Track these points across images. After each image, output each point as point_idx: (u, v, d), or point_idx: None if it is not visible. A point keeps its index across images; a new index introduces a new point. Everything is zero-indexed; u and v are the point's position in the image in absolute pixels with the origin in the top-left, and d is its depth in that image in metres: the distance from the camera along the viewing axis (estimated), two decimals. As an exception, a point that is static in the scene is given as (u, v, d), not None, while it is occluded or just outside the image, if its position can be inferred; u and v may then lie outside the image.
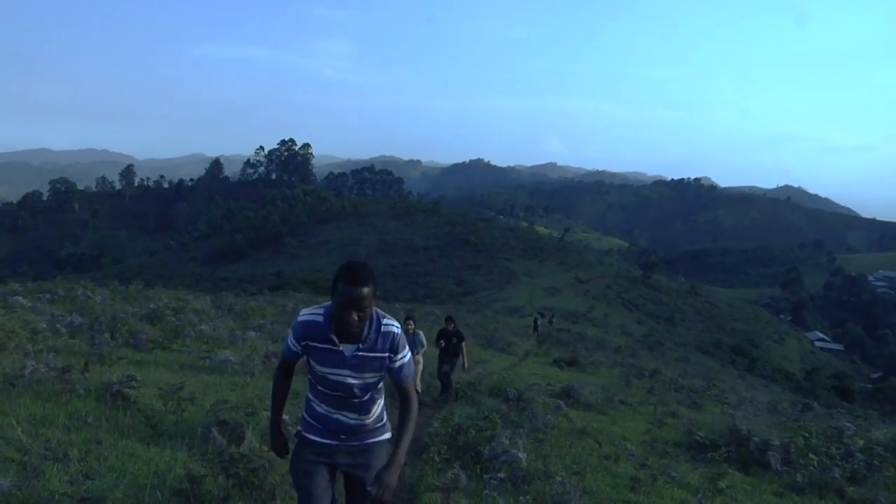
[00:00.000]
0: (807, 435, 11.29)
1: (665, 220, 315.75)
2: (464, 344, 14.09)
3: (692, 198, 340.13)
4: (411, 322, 12.77)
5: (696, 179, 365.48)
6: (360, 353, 3.49)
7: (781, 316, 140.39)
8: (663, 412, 14.48)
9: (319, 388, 3.67)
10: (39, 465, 5.52)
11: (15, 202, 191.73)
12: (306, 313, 3.60)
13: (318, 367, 3.58)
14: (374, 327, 3.53)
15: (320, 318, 3.53)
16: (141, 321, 15.38)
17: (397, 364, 3.58)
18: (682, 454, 10.69)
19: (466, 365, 14.52)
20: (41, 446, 6.02)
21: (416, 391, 9.63)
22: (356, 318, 3.37)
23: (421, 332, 13.16)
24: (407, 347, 3.59)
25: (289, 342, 3.69)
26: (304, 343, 3.59)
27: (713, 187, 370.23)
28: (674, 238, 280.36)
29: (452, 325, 14.04)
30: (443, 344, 13.76)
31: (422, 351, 13.17)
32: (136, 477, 5.59)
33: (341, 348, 3.49)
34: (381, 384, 3.69)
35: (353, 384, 3.54)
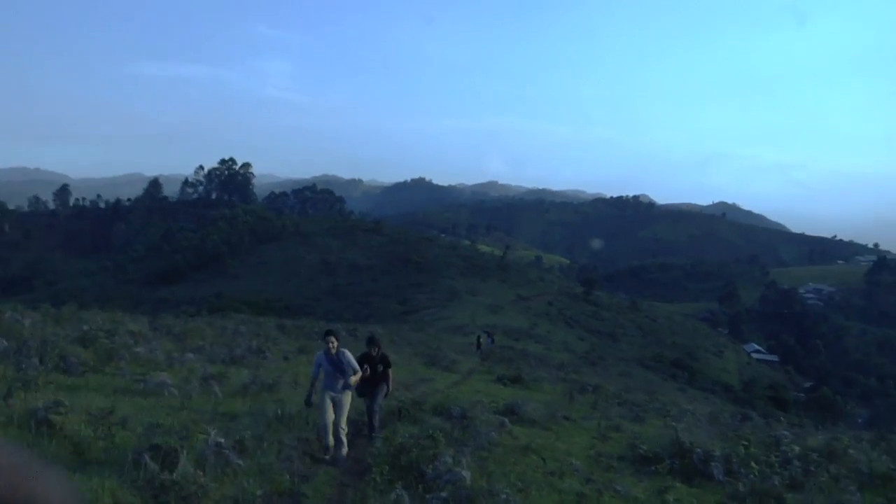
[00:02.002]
0: (747, 444, 11.49)
1: (605, 237, 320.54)
2: (390, 371, 11.94)
3: (631, 215, 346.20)
4: (332, 339, 10.21)
5: (635, 197, 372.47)
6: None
7: (719, 329, 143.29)
8: (607, 427, 14.54)
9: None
10: (-44, 497, 5.21)
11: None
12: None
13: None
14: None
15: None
16: (73, 344, 14.85)
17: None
18: (627, 468, 10.73)
19: (390, 390, 12.22)
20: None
21: (339, 439, 9.82)
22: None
23: (347, 352, 10.27)
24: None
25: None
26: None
27: (651, 204, 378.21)
28: (614, 255, 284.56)
29: (377, 350, 11.74)
30: (367, 371, 11.17)
31: (356, 376, 10.28)
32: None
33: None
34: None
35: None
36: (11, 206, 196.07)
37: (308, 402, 10.18)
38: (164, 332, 23.59)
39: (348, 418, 10.55)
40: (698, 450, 10.78)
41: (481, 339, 41.43)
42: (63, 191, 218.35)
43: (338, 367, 9.98)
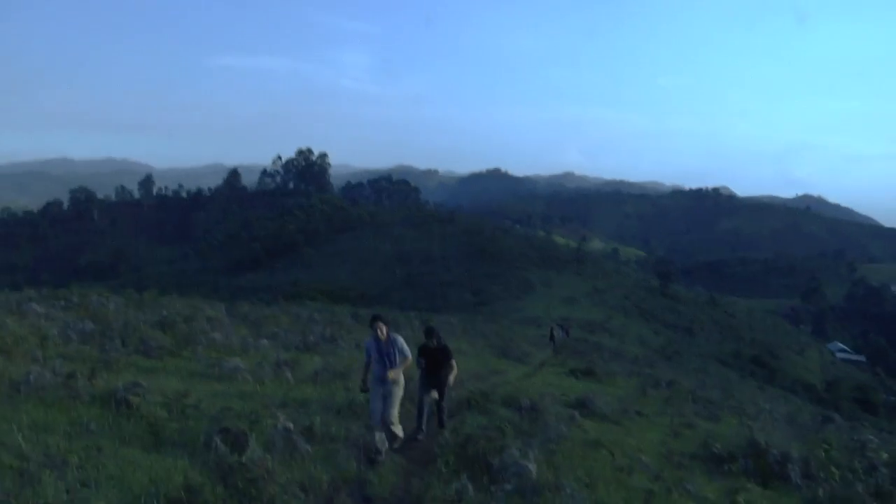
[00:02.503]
0: (828, 448, 11.00)
1: (683, 230, 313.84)
2: (453, 361, 11.06)
3: (710, 207, 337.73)
4: (380, 324, 9.44)
5: (715, 189, 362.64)
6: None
7: (802, 326, 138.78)
8: (679, 423, 14.21)
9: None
10: (36, 473, 5.41)
11: (36, 211, 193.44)
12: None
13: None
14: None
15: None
16: (153, 328, 15.33)
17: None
18: (699, 466, 10.44)
19: (452, 383, 11.37)
20: (41, 453, 5.91)
21: (394, 433, 9.15)
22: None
23: (399, 338, 9.51)
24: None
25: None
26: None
27: (731, 197, 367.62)
28: (692, 248, 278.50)
29: (435, 340, 11.03)
30: (424, 364, 10.75)
31: (402, 364, 9.42)
32: (133, 486, 5.46)
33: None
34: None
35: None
36: (100, 196, 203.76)
37: (364, 389, 9.58)
38: (241, 318, 24.16)
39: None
40: (775, 451, 10.37)
41: (554, 332, 41.14)
42: (147, 181, 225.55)
43: (385, 354, 9.21)
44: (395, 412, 9.19)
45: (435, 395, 11.03)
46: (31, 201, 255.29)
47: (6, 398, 7.63)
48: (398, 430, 9.25)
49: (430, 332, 11.16)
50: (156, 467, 5.99)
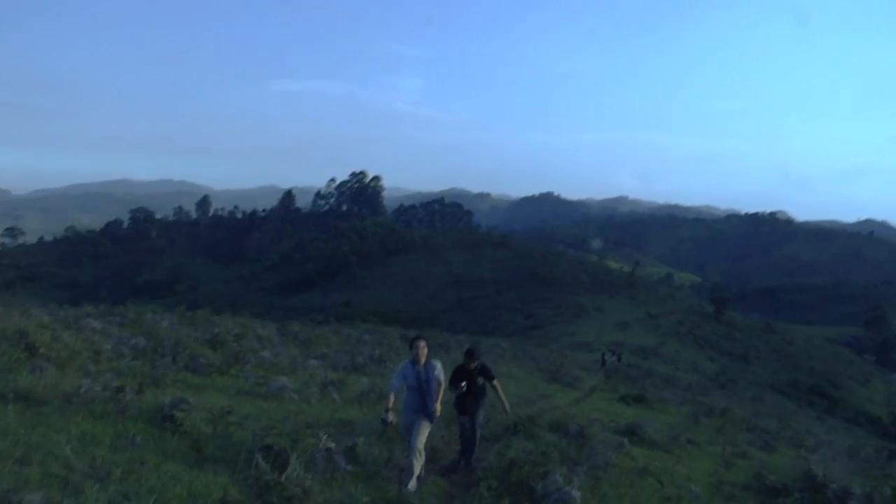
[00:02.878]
0: (894, 484, 10.53)
1: (739, 255, 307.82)
2: (496, 382, 10.05)
3: (767, 232, 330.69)
4: (422, 344, 8.63)
5: (772, 213, 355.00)
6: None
7: (865, 356, 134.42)
8: (732, 453, 13.81)
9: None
10: (81, 483, 5.50)
11: (97, 230, 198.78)
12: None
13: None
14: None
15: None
16: (203, 346, 15.51)
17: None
18: (751, 498, 10.11)
19: (508, 406, 10.30)
20: (86, 464, 6.01)
21: (410, 465, 7.97)
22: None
23: (437, 364, 8.61)
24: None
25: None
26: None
27: (789, 221, 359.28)
28: (748, 273, 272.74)
29: (475, 363, 9.93)
30: (464, 387, 9.72)
31: (440, 394, 8.54)
32: (172, 499, 5.50)
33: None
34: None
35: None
36: (159, 216, 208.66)
37: (385, 422, 8.00)
38: (291, 337, 24.35)
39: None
40: (834, 485, 9.93)
41: (606, 357, 40.65)
42: (204, 201, 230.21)
43: (424, 381, 8.25)
44: (420, 442, 8.17)
45: (466, 420, 9.93)
46: (93, 220, 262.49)
47: (58, 410, 7.78)
48: (418, 464, 8.12)
49: (469, 354, 10.08)
50: (196, 482, 6.03)
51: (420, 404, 8.19)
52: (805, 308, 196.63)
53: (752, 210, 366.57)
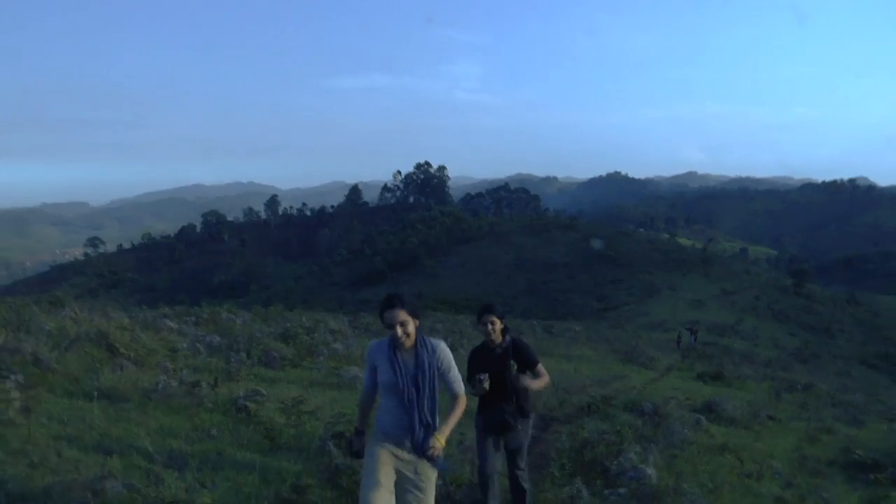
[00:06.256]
0: None
1: (816, 225, 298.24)
2: (540, 367, 5.90)
3: (846, 200, 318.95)
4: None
5: (851, 180, 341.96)
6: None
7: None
8: (816, 428, 13.37)
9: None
10: (160, 473, 5.71)
11: (172, 235, 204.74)
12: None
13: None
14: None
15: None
16: (276, 340, 15.79)
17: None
18: (838, 474, 9.78)
19: (538, 387, 5.95)
20: (165, 455, 6.23)
21: None
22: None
23: (439, 345, 4.45)
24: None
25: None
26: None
27: (871, 187, 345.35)
28: (827, 244, 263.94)
29: (499, 332, 5.85)
30: (485, 382, 5.36)
31: (455, 415, 4.37)
32: (245, 486, 5.64)
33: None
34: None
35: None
36: (230, 218, 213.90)
37: (353, 450, 4.60)
38: (363, 329, 24.64)
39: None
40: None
41: (682, 336, 40.03)
42: (273, 201, 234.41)
43: (412, 378, 4.31)
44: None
45: (522, 441, 6.00)
46: (168, 226, 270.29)
47: (138, 405, 8.05)
48: None
49: (486, 311, 5.87)
50: (269, 469, 6.18)
51: (407, 423, 4.32)
52: (891, 277, 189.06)
53: (828, 178, 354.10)
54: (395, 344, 4.29)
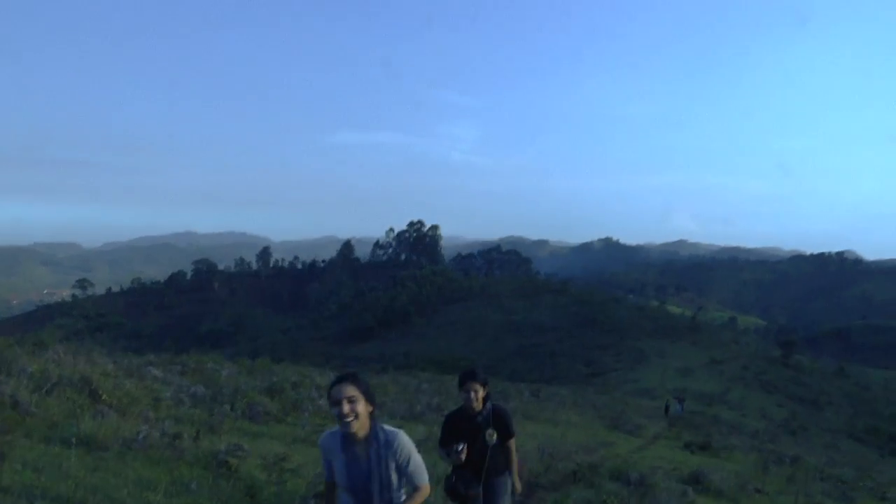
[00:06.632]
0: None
1: (805, 297, 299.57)
2: (512, 442, 5.86)
3: (835, 272, 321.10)
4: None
5: (839, 253, 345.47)
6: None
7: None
8: (805, 503, 13.24)
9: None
10: (136, 529, 5.54)
11: (162, 281, 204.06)
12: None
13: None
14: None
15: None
16: (261, 394, 15.62)
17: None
18: (826, 550, 9.64)
19: (519, 483, 5.99)
20: (142, 510, 6.06)
21: None
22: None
23: (400, 437, 4.00)
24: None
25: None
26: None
27: (859, 261, 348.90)
28: (816, 316, 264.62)
29: (480, 399, 5.68)
30: (461, 452, 5.26)
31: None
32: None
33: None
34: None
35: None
36: (221, 266, 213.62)
37: None
38: (349, 386, 24.36)
39: None
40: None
41: (669, 404, 39.84)
42: (265, 252, 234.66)
43: (369, 478, 3.94)
44: None
45: None
46: (158, 272, 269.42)
47: (117, 454, 7.90)
48: None
49: (466, 378, 5.71)
50: (249, 528, 6.03)
51: None
52: (879, 350, 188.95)
53: (817, 251, 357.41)
54: (346, 434, 3.89)
